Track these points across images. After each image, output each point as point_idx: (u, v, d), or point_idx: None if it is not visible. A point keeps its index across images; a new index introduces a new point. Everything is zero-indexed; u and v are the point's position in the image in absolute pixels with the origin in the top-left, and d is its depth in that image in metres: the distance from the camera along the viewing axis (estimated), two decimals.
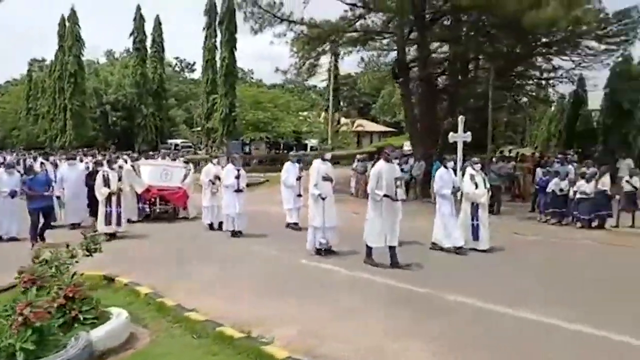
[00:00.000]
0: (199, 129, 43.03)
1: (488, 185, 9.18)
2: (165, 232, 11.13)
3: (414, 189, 16.86)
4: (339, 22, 19.25)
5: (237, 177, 10.27)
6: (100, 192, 9.93)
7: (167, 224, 12.23)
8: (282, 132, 33.72)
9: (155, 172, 13.14)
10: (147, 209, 12.78)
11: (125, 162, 13.34)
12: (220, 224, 10.83)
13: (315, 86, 57.74)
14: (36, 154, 23.35)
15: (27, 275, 4.54)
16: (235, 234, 10.29)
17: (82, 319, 4.24)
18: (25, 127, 53.09)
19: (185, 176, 13.14)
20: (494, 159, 14.35)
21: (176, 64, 70.70)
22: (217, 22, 35.27)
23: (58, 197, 11.52)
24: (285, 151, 33.09)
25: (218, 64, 35.58)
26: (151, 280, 6.70)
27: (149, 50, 44.18)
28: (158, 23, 44.30)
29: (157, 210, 12.92)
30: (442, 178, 8.81)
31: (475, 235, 8.83)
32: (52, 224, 10.68)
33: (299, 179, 11.13)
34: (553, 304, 5.67)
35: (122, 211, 10.27)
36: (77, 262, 6.12)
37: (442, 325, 5.09)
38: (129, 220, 11.49)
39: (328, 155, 9.00)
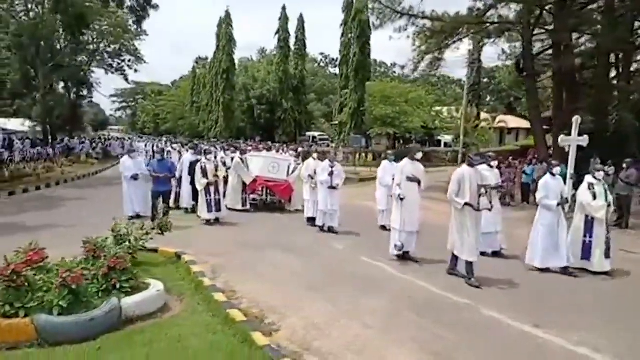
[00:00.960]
0: (335, 122, 44.60)
1: (610, 199, 7.84)
2: (261, 222, 11.49)
3: (533, 193, 15.54)
4: (467, 15, 18.46)
5: (331, 174, 10.18)
6: (200, 183, 10.62)
7: (269, 214, 12.60)
8: (411, 127, 33.23)
9: (263, 164, 13.47)
10: (253, 200, 13.25)
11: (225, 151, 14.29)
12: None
13: (460, 80, 55.42)
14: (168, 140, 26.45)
15: (89, 246, 5.47)
16: (323, 229, 10.26)
17: (119, 287, 5.01)
18: (189, 117, 60.67)
19: (293, 169, 13.31)
20: (624, 165, 12.47)
21: (321, 60, 73.76)
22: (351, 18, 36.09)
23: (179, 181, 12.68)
24: (408, 146, 32.55)
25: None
26: (216, 261, 7.45)
27: (292, 48, 46.96)
28: (301, 22, 46.85)
29: (263, 201, 13.38)
30: (547, 186, 7.69)
31: (587, 254, 7.66)
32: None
33: None
34: None
35: (221, 198, 10.86)
36: (151, 238, 7.19)
37: None
38: (234, 209, 12.51)
39: (418, 155, 8.21)
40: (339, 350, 4.55)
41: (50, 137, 35.60)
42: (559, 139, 10.16)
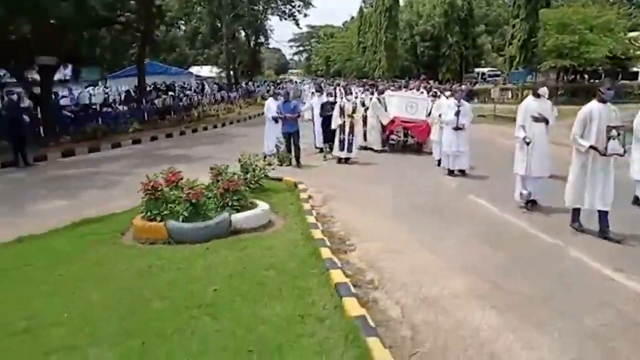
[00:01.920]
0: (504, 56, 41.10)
1: None
2: (392, 162, 11.70)
3: None
4: None
5: (457, 114, 9.57)
6: (335, 121, 11.08)
7: (403, 155, 12.64)
8: (593, 57, 28.92)
9: (401, 104, 13.12)
10: (392, 140, 13.32)
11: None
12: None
13: None
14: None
15: (214, 172, 6.76)
16: (451, 172, 9.78)
17: (231, 205, 6.20)
18: (355, 58, 61.88)
19: (431, 109, 12.58)
20: None
21: None
22: None
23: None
24: (593, 81, 28.57)
25: None
26: (329, 192, 8.39)
27: None
28: None
29: (401, 142, 13.40)
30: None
31: None
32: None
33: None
34: None
35: (353, 139, 11.27)
36: (273, 169, 8.40)
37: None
38: (372, 149, 13.06)
39: (543, 90, 7.29)
40: (399, 271, 5.05)
41: (233, 82, 40.33)
42: None
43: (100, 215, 6.89)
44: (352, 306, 3.85)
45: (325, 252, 5.10)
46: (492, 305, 4.24)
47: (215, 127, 20.56)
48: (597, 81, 28.97)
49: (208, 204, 6.14)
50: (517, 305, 4.25)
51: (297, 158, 10.92)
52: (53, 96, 18.31)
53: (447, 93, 11.33)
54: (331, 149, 11.75)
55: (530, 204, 7.20)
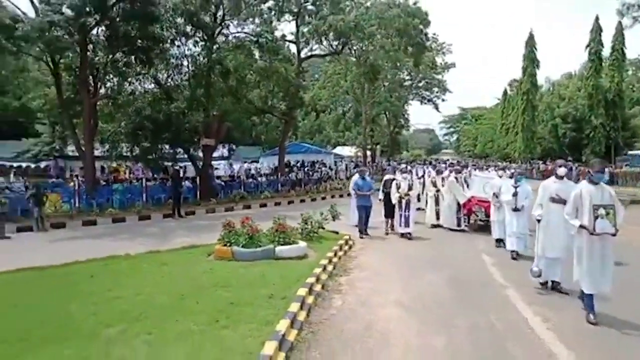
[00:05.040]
0: None
1: None
2: (449, 238, 12.06)
3: None
4: None
5: (515, 195, 9.55)
6: (394, 197, 12.02)
7: (472, 234, 12.64)
8: None
9: (478, 184, 13.40)
10: (465, 219, 13.31)
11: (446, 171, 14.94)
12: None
13: None
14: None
15: (278, 224, 9.69)
16: (512, 254, 9.58)
17: (277, 240, 9.07)
18: (497, 139, 61.87)
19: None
20: None
21: None
22: None
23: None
24: None
25: None
26: (369, 246, 10.77)
27: (606, 60, 42.71)
28: (619, 30, 42.08)
29: (478, 221, 13.27)
30: None
31: None
32: None
33: None
34: None
35: (410, 214, 11.84)
36: (327, 223, 11.11)
37: None
38: (449, 228, 13.12)
39: (561, 171, 7.28)
40: (364, 287, 7.30)
41: (369, 160, 44.20)
42: None
43: (204, 244, 10.30)
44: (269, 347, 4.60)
45: (321, 276, 7.59)
46: (408, 316, 6.30)
47: (332, 197, 23.94)
48: None
49: (261, 237, 9.11)
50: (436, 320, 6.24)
51: (365, 228, 12.12)
52: (210, 169, 23.71)
53: (501, 172, 11.45)
54: (392, 224, 12.63)
55: (548, 285, 7.23)
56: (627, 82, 48.11)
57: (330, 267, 8.38)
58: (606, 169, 7.29)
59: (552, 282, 7.24)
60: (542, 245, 7.12)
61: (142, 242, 11.31)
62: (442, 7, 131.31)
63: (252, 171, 29.08)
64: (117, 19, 17.41)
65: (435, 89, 52.24)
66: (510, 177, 10.21)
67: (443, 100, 52.68)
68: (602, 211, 5.75)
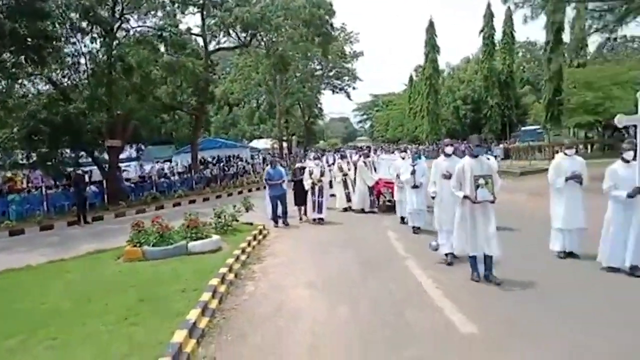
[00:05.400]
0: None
1: None
2: (361, 221, 12.45)
3: None
4: None
5: (413, 173, 10.09)
6: (307, 183, 12.16)
7: (379, 215, 13.09)
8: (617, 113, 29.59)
9: (384, 166, 13.81)
10: (384, 201, 13.64)
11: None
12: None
13: None
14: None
15: (190, 220, 9.63)
16: (414, 229, 10.17)
17: (189, 235, 9.04)
18: (407, 123, 64.81)
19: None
20: None
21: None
22: None
23: None
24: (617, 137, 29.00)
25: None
26: (281, 235, 11.04)
27: (498, 44, 46.23)
28: (509, 16, 45.64)
29: (383, 202, 13.65)
30: (615, 174, 6.59)
31: None
32: None
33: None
34: None
35: (323, 201, 12.16)
36: (241, 215, 11.19)
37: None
38: (361, 210, 13.63)
39: (449, 149, 7.86)
40: (277, 272, 7.55)
41: (286, 152, 44.44)
42: (616, 119, 6.61)
43: (112, 248, 9.97)
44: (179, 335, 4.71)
45: (234, 265, 7.72)
46: (317, 294, 6.63)
47: (250, 190, 23.92)
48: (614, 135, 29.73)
49: (173, 235, 9.03)
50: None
51: (284, 218, 12.23)
52: (118, 171, 22.69)
53: (402, 154, 11.66)
54: (303, 212, 12.84)
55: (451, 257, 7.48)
56: (517, 64, 52.45)
57: (243, 257, 8.54)
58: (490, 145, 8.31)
59: (452, 253, 7.44)
60: (439, 220, 7.68)
61: (43, 253, 10.65)
62: None
63: (166, 170, 28.23)
64: (2, 16, 16.04)
65: (346, 78, 53.67)
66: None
67: (354, 88, 54.33)
68: (481, 181, 6.29)
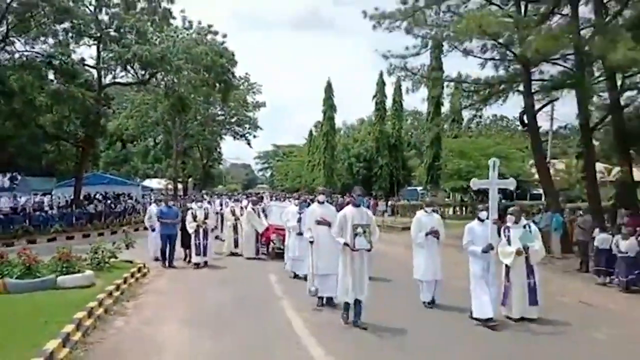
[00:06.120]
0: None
1: (535, 242, 7.29)
2: (244, 267, 12.39)
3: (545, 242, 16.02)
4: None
5: (299, 220, 10.18)
6: (189, 226, 11.98)
7: (267, 262, 13.02)
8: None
9: (276, 213, 13.96)
10: (264, 248, 13.78)
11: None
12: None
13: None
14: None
15: (62, 253, 9.24)
16: (295, 275, 10.34)
17: (60, 269, 8.69)
18: (304, 175, 66.81)
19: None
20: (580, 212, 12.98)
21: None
22: None
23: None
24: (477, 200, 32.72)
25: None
26: (164, 273, 10.93)
27: (389, 110, 50.38)
28: (398, 86, 50.11)
29: (273, 249, 13.59)
30: (472, 231, 7.32)
31: (504, 300, 7.34)
32: None
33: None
34: None
35: (207, 243, 12.14)
36: (121, 252, 10.93)
37: None
38: (249, 257, 13.40)
39: (321, 198, 8.28)
40: (149, 309, 7.56)
41: (180, 193, 43.34)
42: (471, 183, 8.16)
43: None
44: None
45: (105, 301, 7.59)
46: (187, 329, 6.78)
47: (137, 230, 22.94)
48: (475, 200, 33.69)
49: (41, 268, 8.63)
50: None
51: (171, 258, 12.10)
52: None
53: (296, 201, 12.33)
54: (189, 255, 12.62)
55: (323, 301, 7.86)
56: (405, 129, 57.31)
57: (117, 293, 8.40)
58: (365, 197, 9.05)
59: (326, 298, 7.83)
60: (315, 264, 7.77)
61: None
62: (255, 49, 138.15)
63: (46, 204, 26.10)
64: None
65: (247, 126, 54.52)
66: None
67: (255, 136, 55.30)
68: (359, 230, 6.60)
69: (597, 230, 11.62)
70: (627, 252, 9.89)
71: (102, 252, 10.49)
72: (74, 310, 6.80)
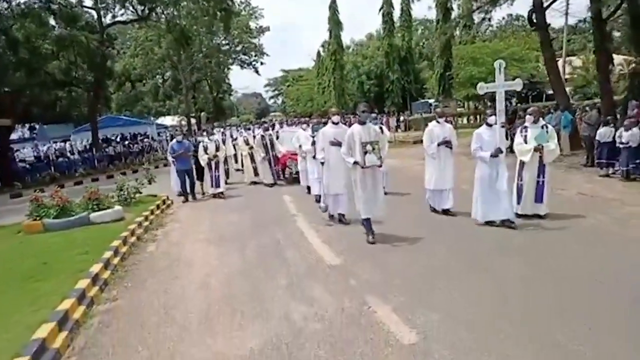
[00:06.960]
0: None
1: (551, 142, 7.34)
2: (262, 193, 12.72)
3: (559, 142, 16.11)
4: None
5: (313, 144, 9.78)
6: (202, 159, 12.24)
7: (282, 187, 13.33)
8: None
9: (289, 138, 13.45)
10: (281, 173, 14.02)
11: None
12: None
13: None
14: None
15: (91, 192, 9.90)
16: (316, 197, 9.97)
17: (91, 207, 9.38)
18: (316, 99, 66.21)
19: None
20: (587, 108, 12.98)
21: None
22: None
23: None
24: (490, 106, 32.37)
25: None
26: (185, 205, 11.65)
27: (398, 21, 48.55)
28: None
29: (290, 174, 13.69)
30: (480, 137, 7.30)
31: (518, 198, 7.61)
32: None
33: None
34: None
35: (220, 175, 12.36)
36: (144, 187, 11.58)
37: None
38: (266, 183, 13.77)
39: (335, 118, 7.99)
40: (177, 234, 8.26)
41: (195, 128, 43.80)
42: (477, 87, 7.47)
43: (10, 224, 10.01)
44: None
45: (136, 230, 8.28)
46: (212, 247, 7.44)
47: (157, 167, 23.76)
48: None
49: (74, 207, 9.33)
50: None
51: (192, 191, 12.38)
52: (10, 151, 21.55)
53: (304, 126, 12.19)
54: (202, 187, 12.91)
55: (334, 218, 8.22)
56: (415, 41, 55.46)
57: (146, 223, 9.11)
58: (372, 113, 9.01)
59: (338, 214, 8.18)
60: (327, 184, 7.95)
61: None
62: None
63: (67, 150, 27.00)
64: None
65: (253, 53, 53.48)
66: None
67: (262, 63, 54.32)
68: (369, 147, 6.56)
69: (602, 124, 11.73)
70: (628, 143, 10.09)
71: (127, 188, 11.16)
72: (110, 240, 7.51)
